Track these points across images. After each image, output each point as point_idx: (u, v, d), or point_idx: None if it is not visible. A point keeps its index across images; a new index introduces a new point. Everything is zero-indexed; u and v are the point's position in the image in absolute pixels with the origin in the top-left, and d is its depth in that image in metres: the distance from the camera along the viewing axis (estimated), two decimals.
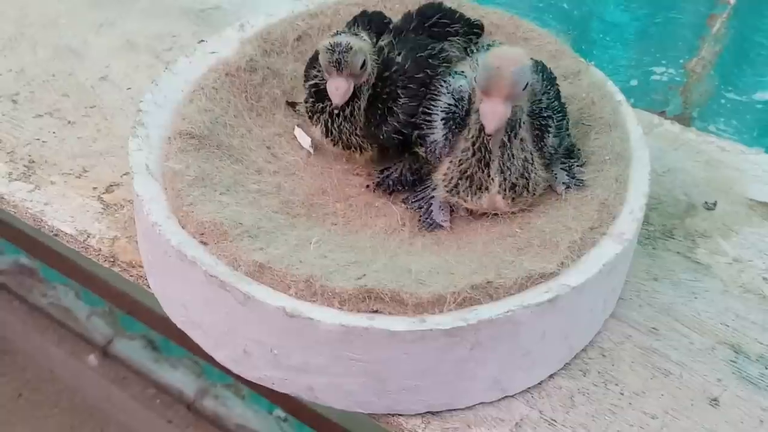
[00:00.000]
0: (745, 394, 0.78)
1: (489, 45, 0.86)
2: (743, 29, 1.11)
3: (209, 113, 0.87)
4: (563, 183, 0.82)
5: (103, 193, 0.94)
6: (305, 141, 0.91)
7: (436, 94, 0.81)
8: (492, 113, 0.72)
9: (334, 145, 0.86)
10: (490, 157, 0.77)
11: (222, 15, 1.25)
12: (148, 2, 1.26)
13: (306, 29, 0.99)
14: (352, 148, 0.86)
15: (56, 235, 0.91)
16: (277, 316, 0.69)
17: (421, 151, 0.82)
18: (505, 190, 0.78)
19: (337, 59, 0.79)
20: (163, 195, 0.79)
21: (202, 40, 0.97)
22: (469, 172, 0.78)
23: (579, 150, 0.85)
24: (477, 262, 0.75)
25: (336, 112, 0.84)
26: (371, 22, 0.90)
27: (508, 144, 0.77)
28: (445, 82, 0.81)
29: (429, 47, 0.85)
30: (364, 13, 0.92)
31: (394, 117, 0.83)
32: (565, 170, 0.82)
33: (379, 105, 0.83)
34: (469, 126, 0.78)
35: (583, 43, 1.16)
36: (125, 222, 0.90)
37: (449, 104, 0.79)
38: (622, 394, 0.78)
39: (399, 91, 0.82)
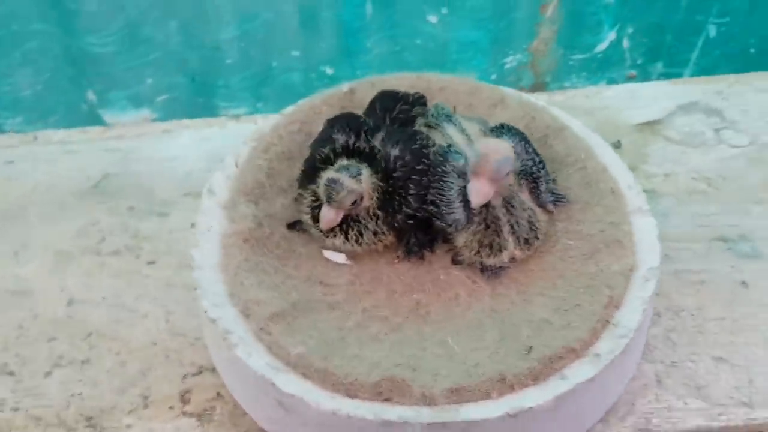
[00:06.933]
0: None
1: (446, 114, 0.96)
2: None
3: None
4: (550, 202, 0.92)
5: None
6: (339, 257, 0.92)
7: (445, 178, 0.88)
8: (476, 192, 0.85)
9: (357, 245, 0.91)
10: (499, 225, 0.87)
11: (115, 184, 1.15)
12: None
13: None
14: (373, 244, 0.91)
15: None
16: None
17: (441, 226, 0.88)
18: (520, 245, 0.88)
19: (329, 194, 0.86)
20: None
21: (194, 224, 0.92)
22: (486, 241, 0.87)
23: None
24: None
25: (351, 221, 0.90)
26: (349, 125, 0.94)
27: (512, 209, 0.87)
28: (448, 164, 0.88)
29: (417, 138, 0.91)
30: (337, 118, 0.95)
31: (408, 206, 0.89)
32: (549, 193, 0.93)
33: (396, 198, 0.89)
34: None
35: None
36: None
37: (461, 186, 0.87)
38: None
39: (409, 184, 0.88)
